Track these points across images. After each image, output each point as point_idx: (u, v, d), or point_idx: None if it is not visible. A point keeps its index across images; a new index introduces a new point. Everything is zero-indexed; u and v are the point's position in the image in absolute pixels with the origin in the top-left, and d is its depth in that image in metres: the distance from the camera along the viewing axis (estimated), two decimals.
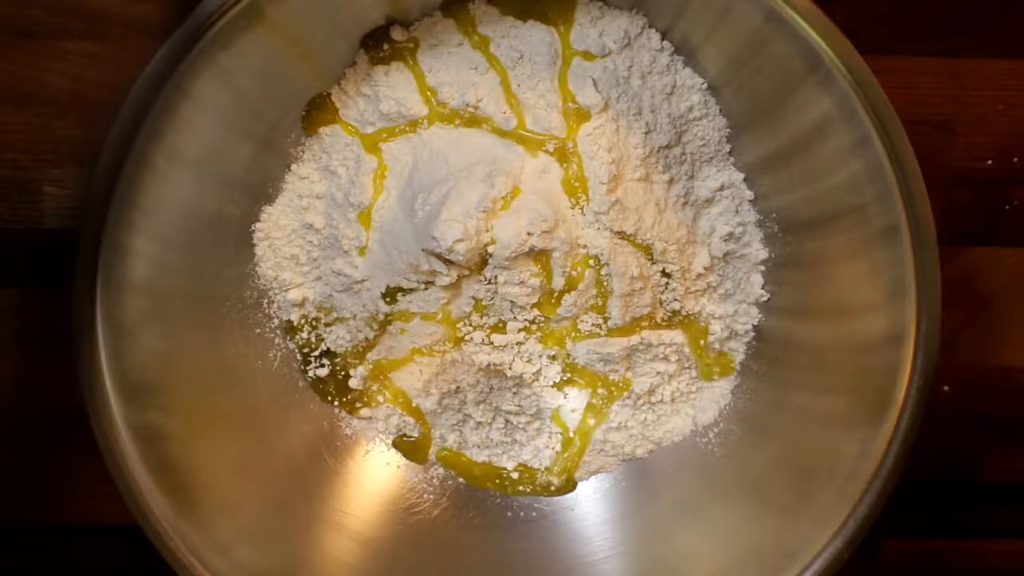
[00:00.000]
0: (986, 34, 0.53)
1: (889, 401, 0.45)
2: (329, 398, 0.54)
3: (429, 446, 0.55)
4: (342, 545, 0.51)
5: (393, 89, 0.49)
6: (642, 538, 0.52)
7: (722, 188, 0.51)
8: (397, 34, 0.49)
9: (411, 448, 0.54)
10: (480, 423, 0.53)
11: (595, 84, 0.49)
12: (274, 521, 0.50)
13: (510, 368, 0.51)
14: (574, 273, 0.49)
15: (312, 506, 0.51)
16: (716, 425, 0.53)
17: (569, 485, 0.54)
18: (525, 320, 0.50)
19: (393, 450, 0.55)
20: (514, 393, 0.52)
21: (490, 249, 0.47)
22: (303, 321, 0.53)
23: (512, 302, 0.49)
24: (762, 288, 0.52)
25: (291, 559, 0.49)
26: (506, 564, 0.52)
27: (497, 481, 0.54)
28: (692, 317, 0.52)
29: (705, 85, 0.50)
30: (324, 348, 0.53)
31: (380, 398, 0.54)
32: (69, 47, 0.50)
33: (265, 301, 0.52)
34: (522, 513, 0.54)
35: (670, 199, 0.51)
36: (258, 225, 0.51)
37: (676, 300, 0.52)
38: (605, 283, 0.50)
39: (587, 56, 0.49)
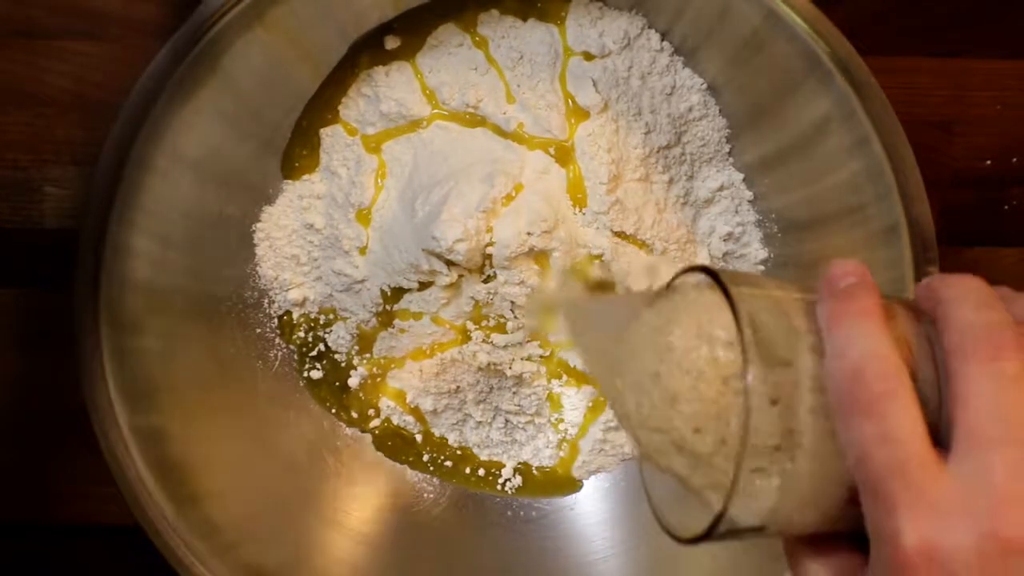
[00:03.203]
0: (986, 34, 0.53)
1: None
2: (327, 405, 0.54)
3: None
4: (342, 544, 0.51)
5: (393, 90, 0.50)
6: (642, 537, 0.52)
7: (721, 188, 0.51)
8: (390, 43, 0.49)
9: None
10: (480, 423, 0.53)
11: (595, 85, 0.49)
12: (274, 520, 0.50)
13: (510, 368, 0.51)
14: None
15: (312, 505, 0.51)
16: None
17: (575, 485, 0.54)
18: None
19: None
20: (514, 393, 0.52)
21: (489, 249, 0.47)
22: (301, 320, 0.53)
23: (512, 302, 0.49)
24: None
25: (291, 558, 0.49)
26: (506, 564, 0.52)
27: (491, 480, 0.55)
28: None
29: (705, 85, 0.50)
30: (321, 349, 0.53)
31: (379, 399, 0.54)
32: (69, 47, 0.50)
33: (265, 301, 0.52)
34: (522, 512, 0.54)
35: (670, 199, 0.51)
36: (258, 225, 0.51)
37: None
38: None
39: (587, 56, 0.49)
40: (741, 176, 0.51)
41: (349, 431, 0.54)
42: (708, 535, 0.29)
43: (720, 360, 0.28)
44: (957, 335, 0.27)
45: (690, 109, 0.50)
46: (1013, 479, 0.25)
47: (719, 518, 0.28)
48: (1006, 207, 0.54)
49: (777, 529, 0.29)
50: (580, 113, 0.49)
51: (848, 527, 0.29)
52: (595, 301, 0.43)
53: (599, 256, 0.49)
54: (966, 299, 0.28)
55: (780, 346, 0.28)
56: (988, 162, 0.54)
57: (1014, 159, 0.54)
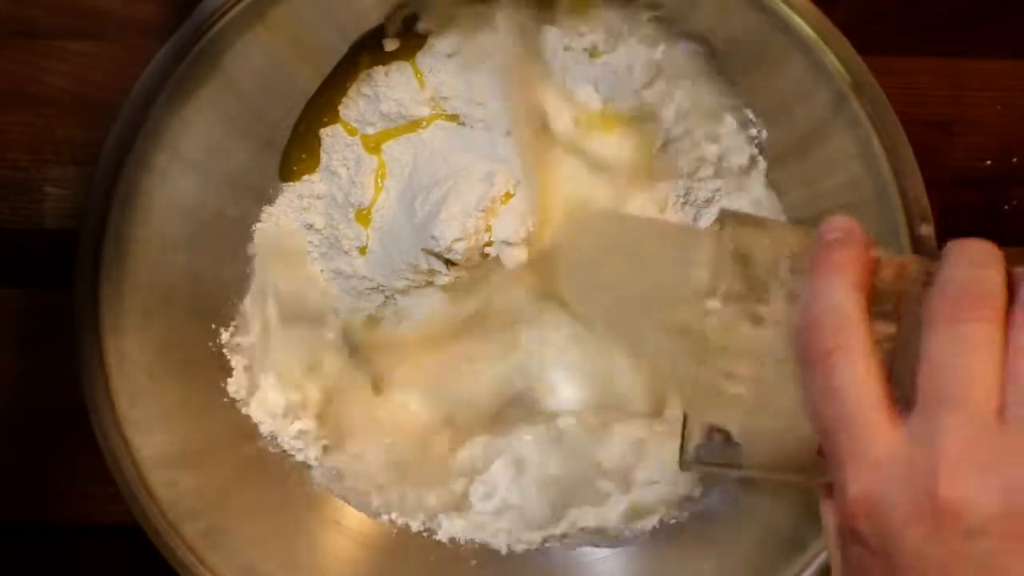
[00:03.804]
0: (986, 34, 0.53)
1: None
2: None
3: None
4: (342, 545, 0.51)
5: (393, 90, 0.50)
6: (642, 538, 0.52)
7: (721, 188, 0.51)
8: (389, 45, 0.49)
9: None
10: None
11: (595, 84, 0.49)
12: (274, 520, 0.50)
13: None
14: None
15: (311, 505, 0.51)
16: None
17: None
18: None
19: None
20: None
21: (488, 249, 0.48)
22: None
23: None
24: None
25: (291, 558, 0.49)
26: (506, 564, 0.52)
27: None
28: None
29: None
30: None
31: None
32: (69, 47, 0.50)
33: None
34: None
35: (670, 198, 0.51)
36: (258, 225, 0.51)
37: None
38: None
39: (589, 55, 0.49)
40: None
41: None
42: (683, 454, 0.32)
43: (691, 281, 0.32)
44: (937, 292, 0.27)
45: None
46: (959, 443, 0.25)
47: (684, 433, 0.31)
48: (1006, 207, 0.54)
49: (754, 466, 0.31)
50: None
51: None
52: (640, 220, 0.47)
53: None
54: (960, 257, 0.28)
55: (762, 286, 0.30)
56: (988, 162, 0.54)
57: (1014, 159, 0.54)
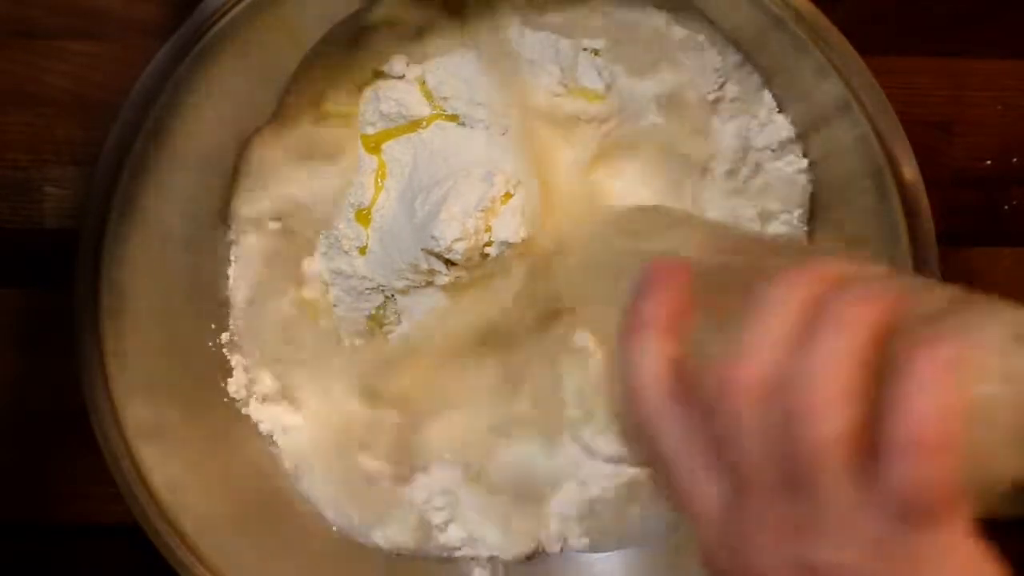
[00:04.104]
0: (986, 34, 0.53)
1: None
2: None
3: None
4: (343, 548, 0.51)
5: (393, 89, 0.50)
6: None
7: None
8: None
9: None
10: None
11: (597, 72, 0.49)
12: (273, 521, 0.50)
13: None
14: None
15: (312, 504, 0.51)
16: None
17: None
18: None
19: None
20: None
21: (488, 249, 0.48)
22: None
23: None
24: None
25: (291, 560, 0.49)
26: (505, 565, 0.52)
27: None
28: None
29: None
30: None
31: None
32: (69, 47, 0.50)
33: None
34: None
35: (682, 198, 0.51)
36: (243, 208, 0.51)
37: None
38: None
39: (594, 54, 0.49)
40: None
41: None
42: None
43: None
44: (725, 356, 0.25)
45: None
46: (752, 517, 0.25)
47: None
48: (1006, 207, 0.54)
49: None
50: None
51: None
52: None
53: None
54: (750, 316, 0.25)
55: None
56: (988, 162, 0.54)
57: (1014, 159, 0.54)
